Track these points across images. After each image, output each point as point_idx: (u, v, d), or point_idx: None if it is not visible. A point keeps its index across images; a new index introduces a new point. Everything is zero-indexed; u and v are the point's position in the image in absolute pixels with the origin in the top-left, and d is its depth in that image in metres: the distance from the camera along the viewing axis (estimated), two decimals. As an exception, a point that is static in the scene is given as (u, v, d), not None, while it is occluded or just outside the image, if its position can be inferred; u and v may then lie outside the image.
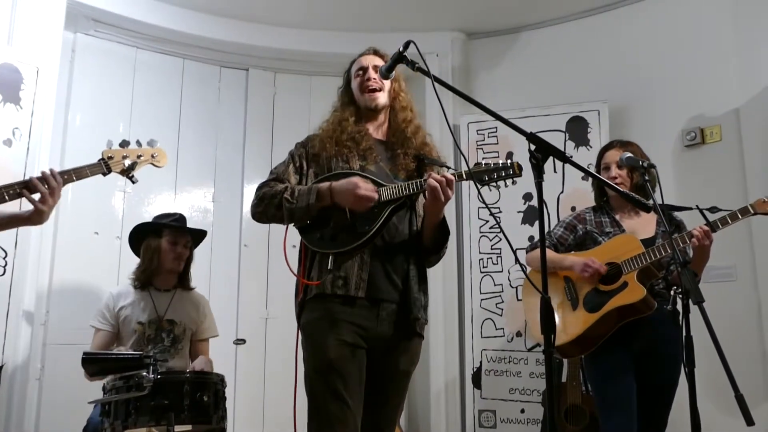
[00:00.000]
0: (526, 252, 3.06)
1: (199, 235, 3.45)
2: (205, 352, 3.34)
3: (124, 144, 2.48)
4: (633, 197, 2.11)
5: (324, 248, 2.24)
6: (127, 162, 2.46)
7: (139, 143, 2.51)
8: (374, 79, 2.36)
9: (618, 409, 2.65)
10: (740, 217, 2.62)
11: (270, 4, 4.37)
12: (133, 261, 3.36)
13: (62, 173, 2.36)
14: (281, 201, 2.24)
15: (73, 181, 2.40)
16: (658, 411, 2.74)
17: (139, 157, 2.50)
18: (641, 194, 2.76)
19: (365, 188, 2.19)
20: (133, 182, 2.53)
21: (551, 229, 3.04)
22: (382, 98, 2.40)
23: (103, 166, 2.44)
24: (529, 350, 4.05)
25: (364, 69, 2.41)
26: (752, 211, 2.62)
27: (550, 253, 2.81)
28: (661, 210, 2.31)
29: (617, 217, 2.90)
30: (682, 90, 4.00)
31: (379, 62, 2.40)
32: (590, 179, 3.15)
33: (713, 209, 2.65)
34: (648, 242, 2.75)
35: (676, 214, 2.88)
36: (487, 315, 4.22)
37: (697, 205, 2.63)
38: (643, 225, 2.86)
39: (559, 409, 3.46)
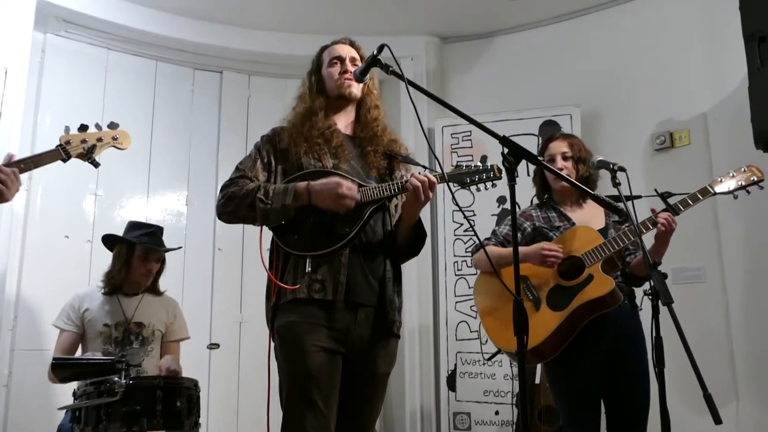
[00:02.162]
0: (471, 254, 2.86)
1: (170, 251, 3.40)
2: (176, 354, 3.30)
3: (83, 128, 2.40)
4: (603, 200, 2.12)
5: (302, 251, 2.16)
6: (86, 146, 2.38)
7: (98, 126, 2.44)
8: (351, 71, 2.31)
9: (582, 422, 2.58)
10: (701, 197, 2.57)
11: (244, 6, 4.35)
12: (104, 265, 3.31)
13: (20, 162, 2.27)
14: (254, 201, 2.16)
15: (31, 169, 2.30)
16: (635, 411, 2.62)
17: (99, 140, 2.40)
18: (588, 186, 2.72)
19: (347, 187, 2.12)
20: (95, 166, 2.43)
21: (497, 228, 2.89)
22: (356, 89, 2.36)
23: (62, 152, 2.35)
24: (488, 359, 3.99)
25: (341, 59, 2.37)
26: (712, 191, 2.58)
27: (498, 249, 2.70)
28: (607, 201, 2.22)
29: (564, 210, 2.81)
30: (652, 95, 4.07)
31: (355, 54, 2.39)
32: (536, 178, 3.02)
33: (666, 194, 2.60)
34: (600, 234, 2.66)
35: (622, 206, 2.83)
36: (462, 318, 4.24)
37: (656, 189, 2.59)
38: (591, 217, 2.77)
39: (533, 410, 3.49)
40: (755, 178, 2.61)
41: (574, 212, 2.82)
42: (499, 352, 2.84)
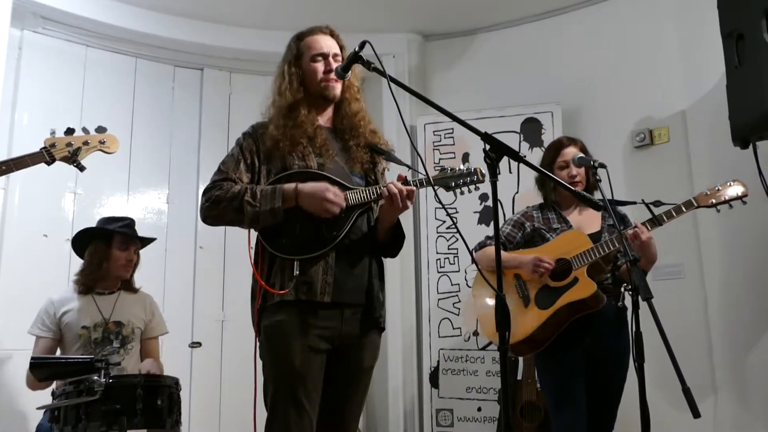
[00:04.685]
0: (474, 251, 3.02)
1: (147, 241, 3.37)
2: (156, 350, 3.28)
3: (69, 131, 2.35)
4: (584, 196, 2.15)
5: (289, 253, 2.16)
6: (72, 149, 2.33)
7: (86, 130, 2.39)
8: (334, 70, 2.26)
9: (568, 406, 2.70)
10: (684, 210, 2.69)
11: (225, 3, 4.32)
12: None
13: (0, 164, 2.24)
14: (242, 204, 2.14)
15: (13, 171, 2.26)
16: (607, 405, 2.80)
17: (85, 143, 2.35)
18: (594, 193, 2.84)
19: (334, 194, 2.13)
20: (81, 170, 2.38)
21: (500, 227, 3.03)
22: (339, 89, 2.33)
23: (45, 155, 2.30)
24: (482, 349, 4.08)
25: (325, 56, 2.32)
26: (695, 204, 2.70)
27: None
28: (587, 197, 2.31)
29: (564, 213, 2.94)
30: (632, 92, 4.10)
31: (337, 49, 2.34)
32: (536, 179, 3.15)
33: (657, 203, 2.71)
34: (594, 237, 2.80)
35: (620, 208, 2.94)
36: (445, 314, 4.25)
37: (642, 200, 2.69)
38: (588, 220, 2.90)
39: (515, 406, 3.51)
40: (740, 193, 2.71)
41: (573, 215, 2.94)
42: (491, 343, 3.08)
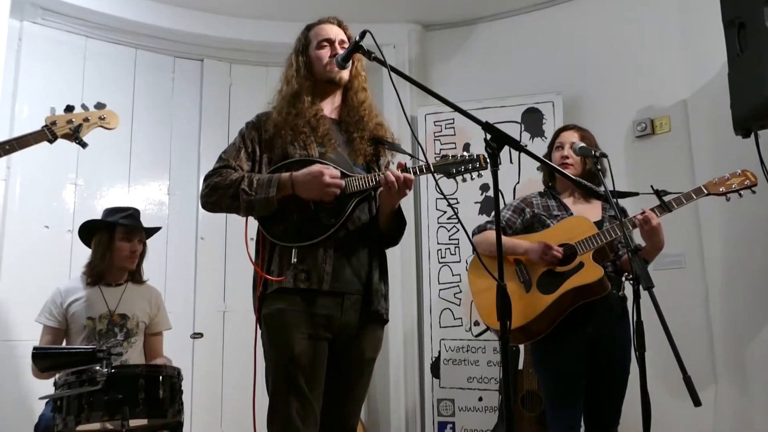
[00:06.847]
0: (473, 234, 2.91)
1: (152, 231, 3.38)
2: (159, 345, 3.29)
3: (69, 109, 2.35)
4: (585, 185, 2.15)
5: (287, 241, 2.16)
6: (73, 126, 2.33)
7: (85, 107, 2.38)
8: (336, 60, 2.27)
9: (565, 404, 2.66)
10: (694, 197, 2.67)
11: (225, -7, 4.32)
12: (85, 255, 3.27)
13: (4, 143, 2.23)
14: (237, 192, 2.14)
15: (16, 150, 2.26)
16: (611, 402, 2.73)
17: (86, 120, 2.35)
18: (593, 181, 2.81)
19: (330, 176, 2.12)
20: (83, 146, 2.38)
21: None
22: (345, 74, 2.33)
23: (47, 133, 2.30)
24: (476, 336, 4.08)
25: (331, 41, 2.33)
26: (705, 192, 2.68)
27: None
28: (587, 185, 2.32)
29: (563, 200, 2.91)
30: (633, 82, 4.09)
31: (344, 36, 2.35)
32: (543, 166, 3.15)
33: (664, 192, 2.68)
34: (596, 226, 2.75)
35: (621, 202, 2.91)
36: (446, 305, 4.25)
37: (652, 185, 2.64)
38: (589, 209, 2.87)
39: (516, 396, 3.52)
40: (749, 183, 2.70)
41: (573, 203, 2.91)
42: (487, 329, 2.97)
